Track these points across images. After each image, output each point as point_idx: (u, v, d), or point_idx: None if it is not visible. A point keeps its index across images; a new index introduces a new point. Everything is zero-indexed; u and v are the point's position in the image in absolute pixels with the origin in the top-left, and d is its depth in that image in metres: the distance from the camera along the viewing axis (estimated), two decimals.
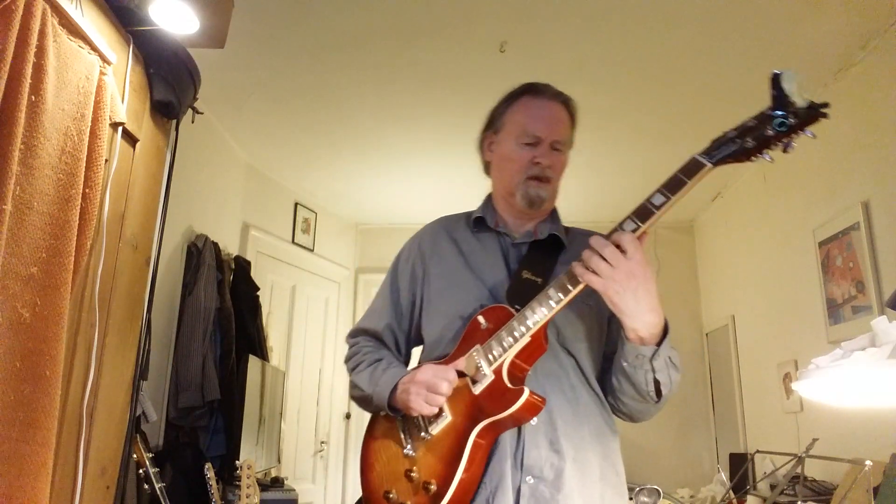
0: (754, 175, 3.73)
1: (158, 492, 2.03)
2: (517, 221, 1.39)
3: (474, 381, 1.18)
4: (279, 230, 4.34)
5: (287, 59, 2.92)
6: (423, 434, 1.23)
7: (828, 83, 2.91)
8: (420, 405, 1.19)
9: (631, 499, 2.21)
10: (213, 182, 3.58)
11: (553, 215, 1.42)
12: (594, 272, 1.08)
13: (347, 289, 5.03)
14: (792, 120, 1.02)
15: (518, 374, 1.18)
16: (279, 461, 3.80)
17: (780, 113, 1.02)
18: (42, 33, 1.31)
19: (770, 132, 1.03)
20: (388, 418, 1.32)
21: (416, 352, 1.46)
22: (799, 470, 2.17)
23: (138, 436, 2.03)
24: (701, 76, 2.96)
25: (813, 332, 3.02)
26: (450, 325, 1.30)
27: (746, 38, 2.66)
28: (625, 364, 1.18)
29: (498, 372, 1.16)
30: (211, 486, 2.45)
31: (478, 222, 1.41)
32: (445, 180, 4.24)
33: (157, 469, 2.07)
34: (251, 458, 2.87)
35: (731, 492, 2.86)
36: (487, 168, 1.47)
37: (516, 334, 1.16)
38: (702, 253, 4.82)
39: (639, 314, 1.10)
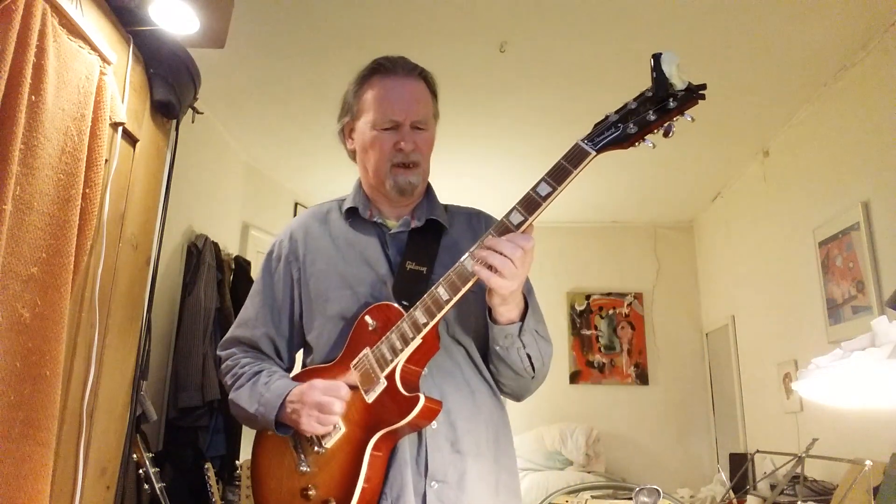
0: (754, 175, 3.73)
1: (158, 492, 2.03)
2: (391, 208, 1.31)
3: (367, 389, 1.13)
4: (279, 230, 4.32)
5: (287, 59, 2.92)
6: (316, 448, 1.16)
7: (828, 83, 2.92)
8: (313, 427, 1.12)
9: (631, 499, 2.21)
10: (213, 182, 3.58)
11: (429, 195, 1.35)
12: (497, 272, 1.03)
13: None
14: (672, 103, 1.01)
15: (412, 377, 1.13)
16: None
17: (660, 95, 1.01)
18: (42, 33, 1.31)
19: (651, 116, 1.01)
20: (275, 436, 1.23)
21: (301, 354, 1.37)
22: (799, 470, 2.17)
23: (138, 436, 2.03)
24: (701, 76, 2.94)
25: (813, 332, 3.02)
26: (334, 327, 1.23)
27: (747, 38, 2.66)
28: (497, 348, 1.17)
29: (391, 378, 1.11)
30: (211, 486, 2.45)
31: (351, 212, 1.33)
32: (443, 179, 4.23)
33: (157, 469, 2.07)
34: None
35: (731, 492, 2.86)
36: (353, 156, 1.39)
37: (408, 337, 1.10)
38: (702, 253, 4.82)
39: (515, 301, 1.11)
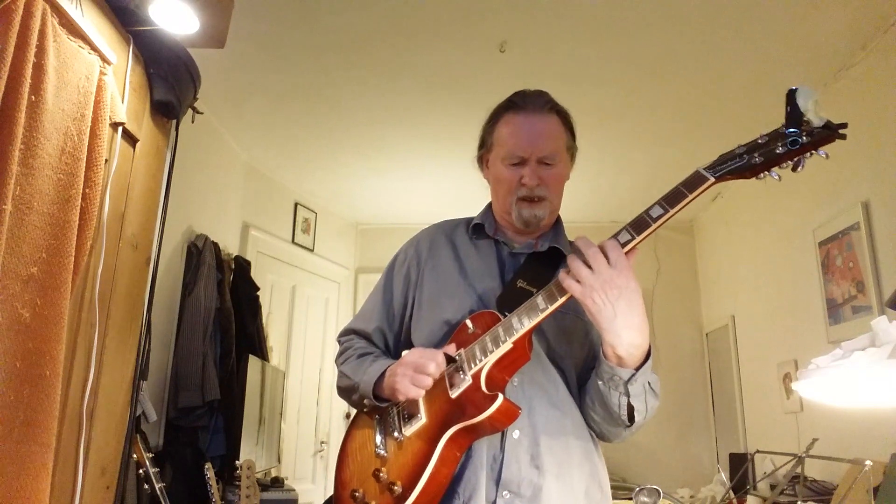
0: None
1: (158, 492, 2.03)
2: (517, 235, 1.36)
3: (451, 385, 1.16)
4: (279, 230, 4.34)
5: (287, 59, 2.92)
6: (396, 434, 1.20)
7: (828, 83, 2.91)
8: (406, 386, 1.15)
9: (631, 499, 2.21)
10: (213, 182, 3.58)
11: (556, 227, 1.38)
12: (576, 279, 1.04)
13: (347, 289, 5.03)
14: (805, 138, 0.97)
15: (497, 381, 1.15)
16: (279, 461, 3.80)
17: (792, 131, 0.98)
18: (42, 33, 1.31)
19: (780, 150, 0.99)
20: (369, 417, 1.30)
21: None
22: (799, 470, 2.17)
23: (138, 436, 2.03)
24: (701, 76, 2.96)
25: (813, 332, 3.02)
26: (438, 331, 1.28)
27: (746, 37, 2.66)
28: (599, 383, 1.14)
29: (476, 377, 1.13)
30: (211, 486, 2.45)
31: (477, 229, 1.38)
32: (445, 180, 4.24)
33: (157, 469, 2.07)
34: (251, 458, 2.87)
35: (731, 492, 2.86)
36: (489, 182, 1.45)
37: (499, 340, 1.12)
38: (702, 253, 4.82)
39: (617, 329, 1.05)
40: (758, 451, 2.91)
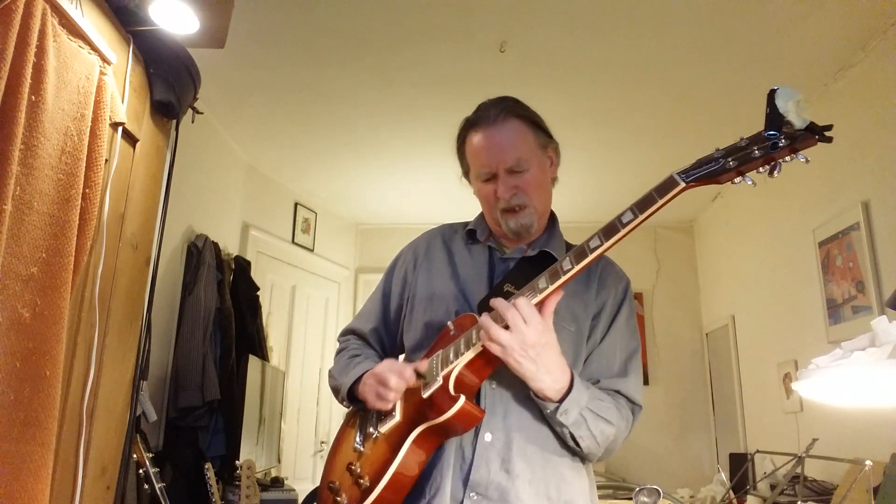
0: (754, 175, 3.73)
1: (158, 492, 2.03)
2: (510, 242, 1.37)
3: (425, 384, 1.18)
4: (279, 230, 4.34)
5: (287, 59, 2.92)
6: (371, 430, 1.24)
7: (828, 83, 2.92)
8: (371, 398, 1.20)
9: (631, 499, 2.21)
10: (213, 182, 3.58)
11: (551, 230, 1.38)
12: (496, 342, 1.07)
13: (347, 289, 5.03)
14: (784, 142, 0.92)
15: (470, 383, 1.16)
16: (279, 461, 3.80)
17: (771, 133, 0.92)
18: (42, 33, 1.31)
19: (756, 153, 0.94)
20: (357, 413, 1.34)
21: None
22: (799, 470, 2.17)
23: (138, 436, 2.03)
24: (700, 76, 2.96)
25: (813, 332, 3.02)
26: (425, 332, 1.30)
27: (746, 38, 2.66)
28: (544, 414, 1.17)
29: (446, 378, 1.14)
30: (211, 486, 2.45)
31: (470, 234, 1.40)
32: (445, 180, 4.23)
33: (157, 469, 2.07)
34: (251, 458, 2.88)
35: (731, 492, 2.86)
36: None
37: (470, 343, 1.13)
38: (702, 253, 4.82)
39: (540, 377, 1.10)
40: (758, 451, 2.91)
